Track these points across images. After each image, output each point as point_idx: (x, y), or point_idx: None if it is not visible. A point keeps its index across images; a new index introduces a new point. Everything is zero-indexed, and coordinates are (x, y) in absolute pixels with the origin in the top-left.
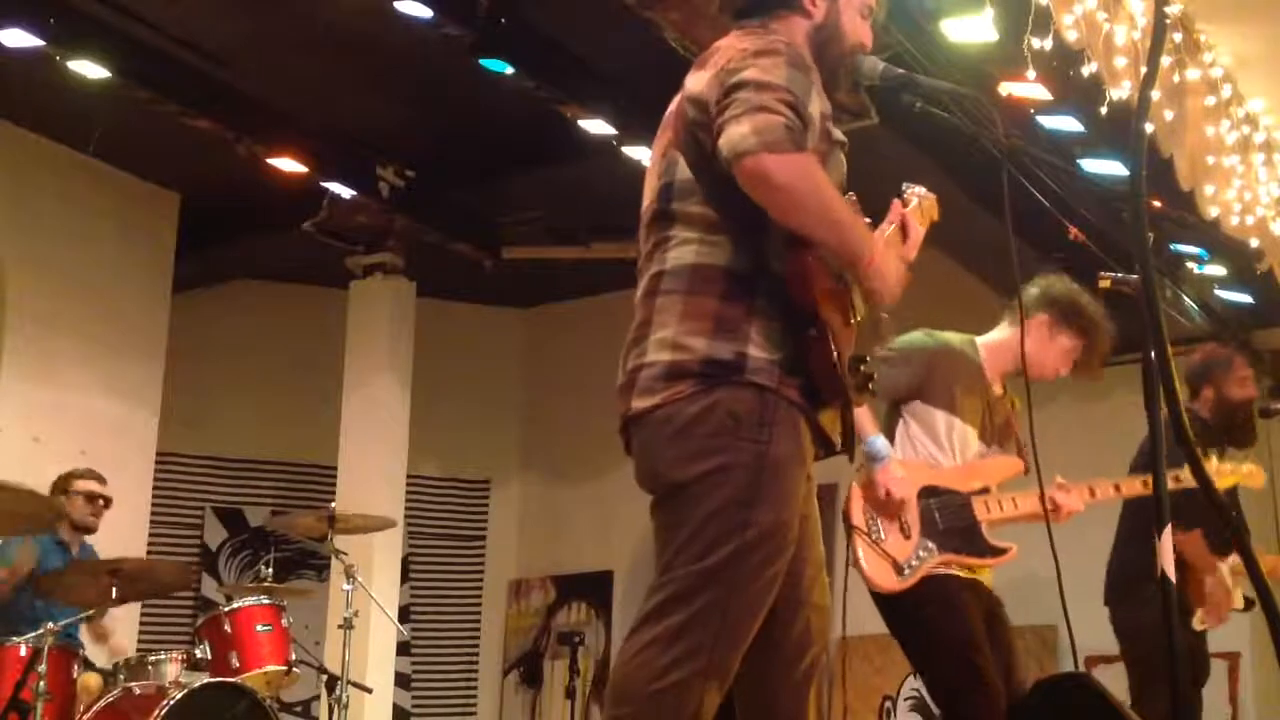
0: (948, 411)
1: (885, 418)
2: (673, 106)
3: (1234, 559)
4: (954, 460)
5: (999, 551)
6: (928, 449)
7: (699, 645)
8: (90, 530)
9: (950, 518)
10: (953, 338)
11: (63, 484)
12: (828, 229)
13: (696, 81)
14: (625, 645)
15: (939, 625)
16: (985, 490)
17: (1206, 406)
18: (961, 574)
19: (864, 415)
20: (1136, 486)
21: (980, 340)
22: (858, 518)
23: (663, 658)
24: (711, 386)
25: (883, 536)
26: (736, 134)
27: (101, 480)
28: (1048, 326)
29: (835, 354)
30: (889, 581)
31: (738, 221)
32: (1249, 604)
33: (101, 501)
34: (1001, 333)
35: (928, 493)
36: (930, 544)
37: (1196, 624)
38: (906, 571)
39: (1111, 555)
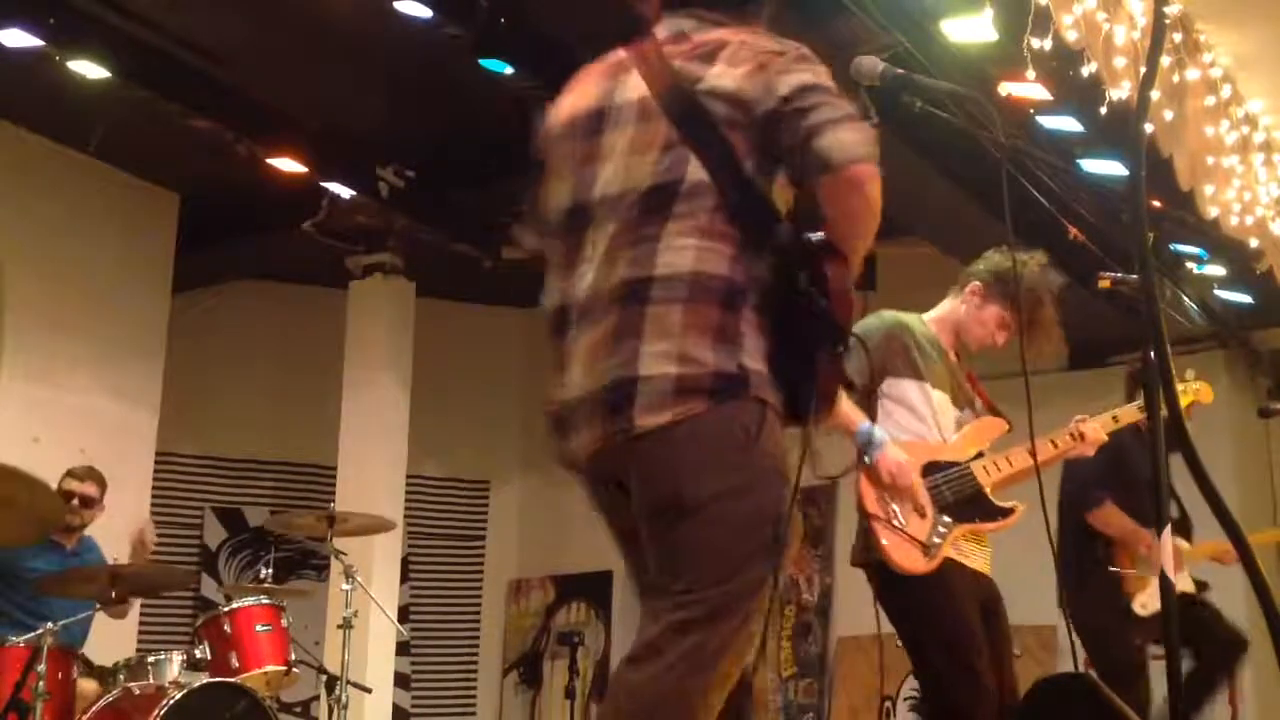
0: (917, 380)
1: (861, 406)
2: (662, 95)
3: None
4: (935, 428)
5: (1007, 512)
6: (909, 423)
7: (729, 667)
8: (69, 529)
9: (957, 489)
10: (902, 315)
11: (60, 487)
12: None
13: (715, 79)
14: (642, 665)
15: (940, 618)
16: (980, 455)
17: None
18: (966, 563)
19: (848, 405)
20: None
21: (927, 316)
22: (873, 505)
23: (694, 679)
24: (722, 401)
25: (903, 520)
26: (849, 139)
27: (83, 478)
28: (979, 295)
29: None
30: (917, 563)
31: (744, 230)
32: (1201, 586)
33: (77, 500)
34: (943, 307)
35: (930, 469)
36: (946, 518)
37: (1139, 609)
38: (932, 550)
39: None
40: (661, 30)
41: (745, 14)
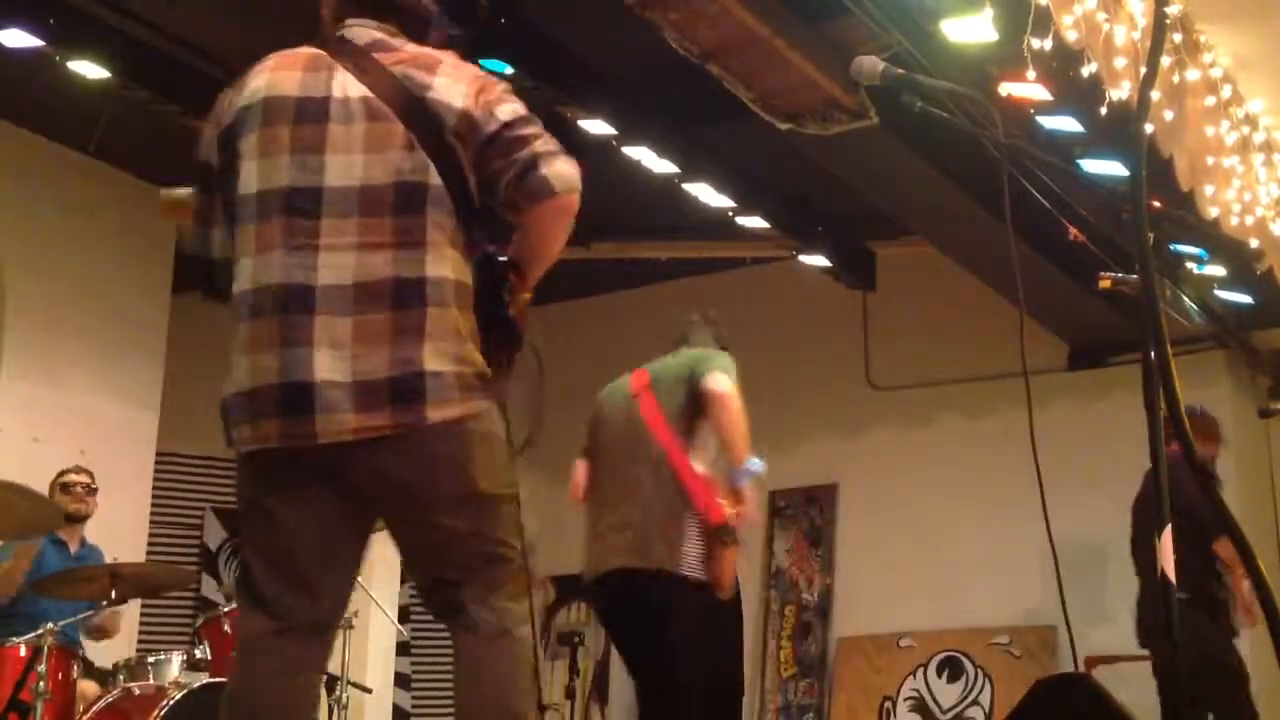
0: None
1: None
2: (392, 98)
3: None
4: None
5: None
6: None
7: None
8: (79, 517)
9: None
10: None
11: (54, 482)
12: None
13: (444, 91)
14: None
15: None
16: None
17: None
18: None
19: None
20: None
21: None
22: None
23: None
24: (487, 397)
25: None
26: (568, 171)
27: (78, 471)
28: None
29: None
30: None
31: (473, 242)
32: None
33: (81, 488)
34: None
35: None
36: None
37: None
38: None
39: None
40: (356, 35)
41: (424, 39)
